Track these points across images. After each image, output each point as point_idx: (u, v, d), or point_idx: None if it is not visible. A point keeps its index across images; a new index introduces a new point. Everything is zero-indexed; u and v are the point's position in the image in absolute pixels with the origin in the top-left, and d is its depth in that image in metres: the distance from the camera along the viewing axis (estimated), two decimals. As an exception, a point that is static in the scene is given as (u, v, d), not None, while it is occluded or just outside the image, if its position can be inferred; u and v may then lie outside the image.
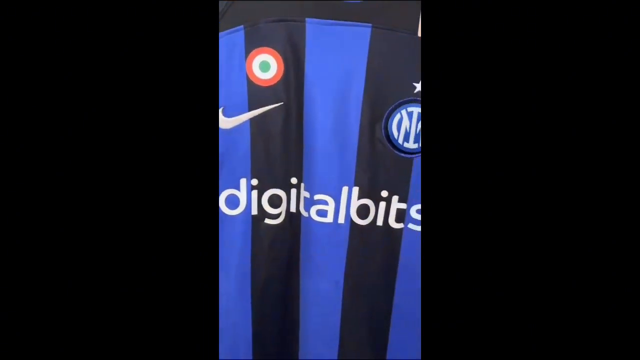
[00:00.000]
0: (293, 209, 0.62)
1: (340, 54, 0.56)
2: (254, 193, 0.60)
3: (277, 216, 0.61)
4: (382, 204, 0.59)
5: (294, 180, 0.60)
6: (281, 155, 0.58)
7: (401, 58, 0.55)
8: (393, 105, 0.56)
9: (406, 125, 0.57)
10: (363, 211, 0.60)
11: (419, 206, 0.59)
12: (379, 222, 0.60)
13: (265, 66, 0.56)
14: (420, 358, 0.58)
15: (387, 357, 0.63)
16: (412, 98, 0.56)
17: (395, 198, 0.59)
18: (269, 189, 0.60)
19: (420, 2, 0.53)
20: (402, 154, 0.58)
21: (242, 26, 0.54)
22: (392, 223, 0.60)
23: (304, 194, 0.60)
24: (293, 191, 0.61)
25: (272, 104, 0.57)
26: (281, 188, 0.60)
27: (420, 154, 0.57)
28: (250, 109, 0.57)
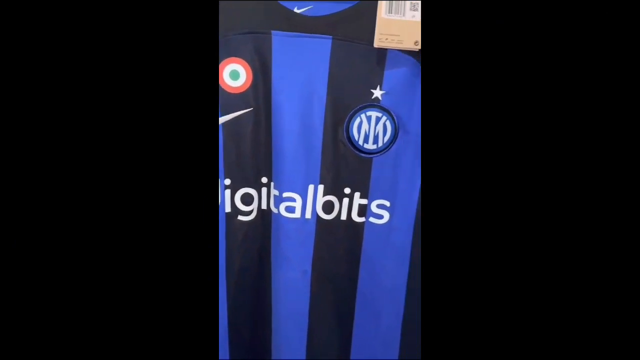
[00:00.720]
0: (264, 206, 0.65)
1: (304, 64, 0.59)
2: (227, 192, 0.62)
3: (249, 213, 0.63)
4: (345, 200, 0.62)
5: (264, 180, 0.63)
6: (251, 156, 0.61)
7: (360, 67, 0.59)
8: (353, 110, 0.60)
9: (365, 128, 0.60)
10: (328, 207, 0.62)
11: (378, 201, 0.63)
12: (343, 217, 0.63)
13: (235, 75, 0.59)
14: (382, 344, 0.64)
15: (353, 340, 0.67)
16: (371, 103, 0.60)
17: (357, 194, 0.62)
18: (241, 188, 0.62)
19: (375, 17, 0.57)
20: (362, 154, 0.61)
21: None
22: (355, 217, 0.63)
23: (274, 192, 0.63)
24: (264, 190, 0.64)
25: (242, 109, 0.60)
26: (252, 187, 0.63)
27: (379, 154, 0.61)
28: (222, 115, 0.60)
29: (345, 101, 0.59)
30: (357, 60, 0.58)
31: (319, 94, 0.59)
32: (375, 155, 0.61)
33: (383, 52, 0.58)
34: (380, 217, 0.63)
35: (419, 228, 0.63)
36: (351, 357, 0.66)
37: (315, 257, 0.64)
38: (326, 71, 0.59)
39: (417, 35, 0.57)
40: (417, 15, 0.57)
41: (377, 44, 0.56)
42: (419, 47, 0.57)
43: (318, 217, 0.63)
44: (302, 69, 0.59)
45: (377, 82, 0.59)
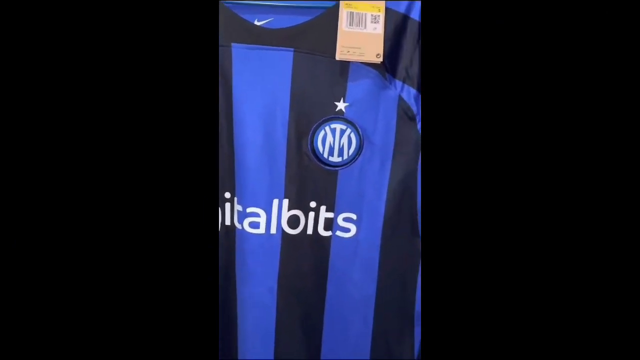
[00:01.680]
0: (228, 222, 0.64)
1: (266, 76, 0.59)
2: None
3: (212, 229, 0.63)
4: (311, 214, 0.62)
5: (227, 195, 0.63)
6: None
7: (322, 79, 0.58)
8: (317, 122, 0.59)
9: (330, 140, 0.60)
10: (293, 221, 0.62)
11: (345, 214, 0.62)
12: (309, 231, 0.62)
13: (196, 88, 0.58)
14: (352, 356, 0.64)
15: (322, 353, 0.66)
16: (335, 116, 0.60)
17: (323, 208, 0.62)
18: None
19: (337, 30, 0.57)
20: (327, 167, 0.61)
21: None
22: (321, 231, 0.62)
23: (237, 207, 0.63)
24: (227, 205, 0.63)
25: (204, 124, 0.59)
26: None
27: (344, 167, 0.61)
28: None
29: (308, 113, 0.59)
30: (319, 73, 0.58)
31: (282, 107, 0.59)
32: (340, 167, 0.61)
33: (345, 64, 0.58)
34: (347, 230, 0.62)
35: (387, 240, 0.63)
36: (321, 371, 0.66)
37: (281, 272, 0.63)
38: (288, 83, 0.58)
39: (379, 48, 0.57)
40: (379, 28, 0.58)
41: (339, 56, 0.57)
42: (380, 59, 0.57)
43: (283, 232, 0.62)
44: (264, 81, 0.59)
45: (341, 94, 0.59)
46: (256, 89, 0.59)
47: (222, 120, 0.60)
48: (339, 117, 0.59)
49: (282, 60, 0.58)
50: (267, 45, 0.58)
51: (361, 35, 0.57)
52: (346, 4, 0.56)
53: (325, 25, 0.57)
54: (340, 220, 0.62)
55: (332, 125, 0.59)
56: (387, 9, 0.56)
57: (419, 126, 0.59)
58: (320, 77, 0.58)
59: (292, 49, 0.58)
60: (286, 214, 0.61)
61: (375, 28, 0.57)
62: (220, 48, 0.58)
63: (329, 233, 0.63)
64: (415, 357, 0.63)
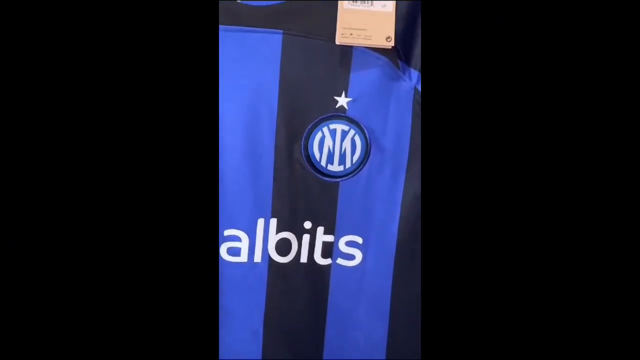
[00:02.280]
0: None
1: (248, 65, 0.52)
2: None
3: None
4: (306, 237, 0.54)
5: None
6: None
7: (319, 68, 0.52)
8: (313, 122, 0.52)
9: (329, 144, 0.53)
10: (283, 246, 0.55)
11: (348, 238, 0.55)
12: (303, 259, 0.55)
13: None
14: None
15: None
16: (335, 114, 0.52)
17: (320, 230, 0.54)
18: None
19: (336, 7, 0.51)
20: (326, 178, 0.53)
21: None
22: (318, 259, 0.55)
23: None
24: None
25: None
26: None
27: (346, 177, 0.53)
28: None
29: (302, 111, 0.52)
30: (315, 60, 0.52)
31: (269, 103, 0.52)
32: (342, 179, 0.54)
33: (348, 50, 0.51)
34: (351, 257, 0.55)
35: (401, 269, 0.55)
36: None
37: (268, 311, 0.55)
38: (277, 73, 0.51)
39: (389, 29, 0.51)
40: (389, 5, 0.51)
41: (339, 40, 0.50)
42: (391, 43, 0.51)
43: (270, 260, 0.55)
44: (246, 72, 0.52)
45: (342, 87, 0.52)
46: (236, 81, 0.52)
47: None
48: (340, 115, 0.52)
49: (268, 44, 0.51)
50: (249, 26, 0.51)
51: (367, 15, 0.51)
52: (348, -26, 0.51)
53: (322, 2, 0.51)
54: (342, 245, 0.55)
55: (332, 126, 0.52)
56: (399, -18, 0.50)
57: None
58: (316, 65, 0.52)
59: (280, 31, 0.51)
60: (274, 238, 0.54)
61: (385, 5, 0.51)
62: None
63: (328, 261, 0.55)
64: None
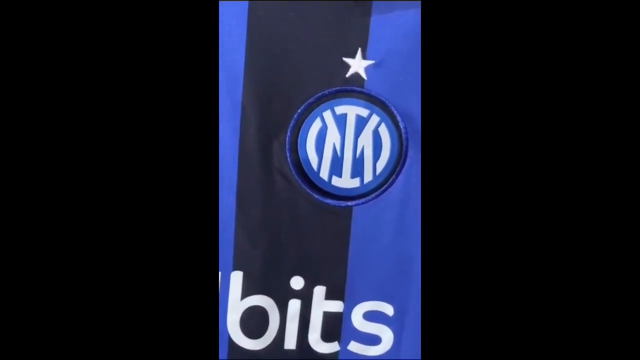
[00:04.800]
0: None
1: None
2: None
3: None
4: (294, 305, 0.40)
5: None
6: None
7: (317, 12, 0.38)
8: (306, 103, 0.38)
9: (335, 141, 0.38)
10: (255, 321, 0.40)
11: (369, 306, 0.41)
12: (289, 344, 0.41)
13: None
14: None
15: None
16: (344, 87, 0.38)
17: (319, 291, 0.40)
18: None
19: None
20: (330, 201, 0.39)
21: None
22: (317, 344, 0.40)
23: None
24: None
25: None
26: None
27: (366, 199, 0.39)
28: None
29: (287, 86, 0.39)
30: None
31: (230, 72, 0.38)
32: (358, 201, 0.39)
33: None
34: (375, 340, 0.41)
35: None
36: None
37: None
38: (243, 22, 0.38)
39: None
40: None
41: None
42: None
43: (232, 344, 0.41)
44: None
45: (357, 42, 0.38)
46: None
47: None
48: (354, 90, 0.38)
49: None
50: None
51: None
52: None
53: None
54: (358, 319, 0.41)
55: (339, 109, 0.38)
56: None
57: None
58: (311, 7, 0.38)
59: None
60: (238, 306, 0.40)
61: None
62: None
63: (334, 347, 0.41)
64: None
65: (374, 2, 0.38)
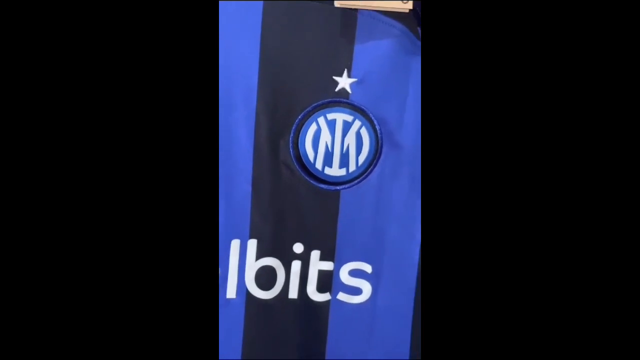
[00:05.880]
0: None
1: (221, 38, 0.45)
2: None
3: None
4: (296, 265, 0.47)
5: None
6: None
7: (313, 39, 0.45)
8: (305, 111, 0.45)
9: (327, 140, 0.45)
10: (265, 277, 0.48)
11: (353, 265, 0.47)
12: (292, 294, 0.48)
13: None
14: None
15: None
16: (334, 99, 0.45)
17: (315, 255, 0.47)
18: None
19: None
20: (323, 185, 0.46)
21: None
22: (313, 294, 0.48)
23: None
24: None
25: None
26: None
27: (350, 184, 0.46)
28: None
29: (290, 97, 0.46)
30: (307, 29, 0.45)
31: (246, 85, 0.45)
32: (344, 186, 0.47)
33: (351, 14, 0.45)
34: (357, 291, 0.48)
35: (420, 309, 0.48)
36: None
37: None
38: (256, 47, 0.44)
39: None
40: None
41: (339, 1, 0.44)
42: (409, 5, 0.43)
43: (249, 295, 0.48)
44: (223, 48, 0.45)
45: (344, 64, 0.45)
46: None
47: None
48: (341, 101, 0.45)
49: (245, 9, 0.44)
50: None
51: None
52: None
53: None
54: (344, 275, 0.48)
55: (330, 116, 0.45)
56: None
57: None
58: (308, 36, 0.45)
59: None
60: (253, 265, 0.47)
61: None
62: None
63: (326, 296, 0.48)
64: None
65: (356, 33, 0.44)
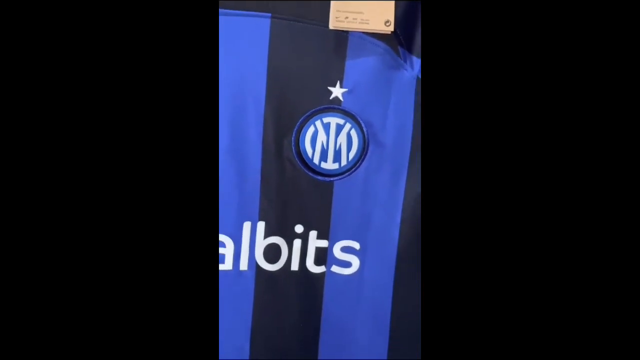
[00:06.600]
0: None
1: (233, 53, 0.48)
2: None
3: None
4: (297, 243, 0.51)
5: None
6: None
7: (311, 55, 0.49)
8: (304, 115, 0.49)
9: (322, 140, 0.49)
10: (272, 253, 0.51)
11: (344, 243, 0.51)
12: (294, 267, 0.52)
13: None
14: None
15: None
16: (329, 106, 0.49)
17: (312, 234, 0.51)
18: None
19: None
20: (319, 177, 0.50)
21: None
22: (311, 266, 0.52)
23: None
24: None
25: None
26: None
27: (342, 176, 0.50)
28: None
29: (292, 103, 0.49)
30: (307, 47, 0.48)
31: (256, 94, 0.48)
32: (337, 178, 0.50)
33: (343, 35, 0.48)
34: (347, 264, 0.52)
35: (402, 279, 0.52)
36: None
37: (255, 325, 0.52)
38: (264, 62, 0.48)
39: (388, 13, 0.47)
40: None
41: (333, 24, 0.47)
42: (391, 28, 0.47)
43: (258, 267, 0.51)
44: (230, 59, 0.48)
45: (336, 76, 0.49)
46: (220, 70, 0.48)
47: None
48: (335, 107, 0.49)
49: (255, 29, 0.48)
50: (233, 9, 0.48)
51: None
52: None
53: None
54: (337, 251, 0.52)
55: (325, 119, 0.49)
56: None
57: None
58: (307, 53, 0.49)
59: (268, 14, 0.47)
60: (262, 243, 0.51)
61: None
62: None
63: (321, 269, 0.52)
64: None
65: (347, 51, 0.48)
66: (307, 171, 0.50)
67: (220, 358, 0.51)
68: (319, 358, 0.52)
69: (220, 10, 0.47)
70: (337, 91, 0.48)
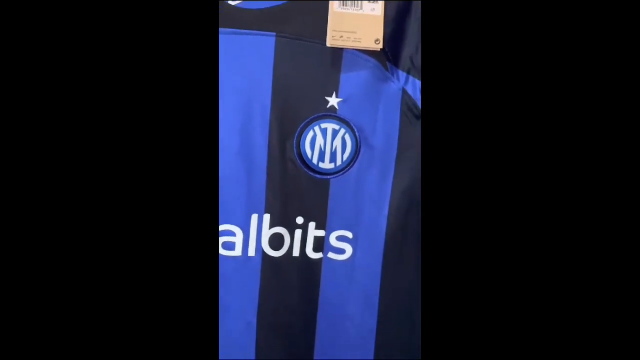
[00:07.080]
0: None
1: (242, 67, 0.51)
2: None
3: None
4: (298, 232, 0.54)
5: None
6: None
7: (310, 70, 0.52)
8: (305, 122, 0.52)
9: (320, 143, 0.53)
10: (276, 241, 0.54)
11: (339, 232, 0.55)
12: (295, 253, 0.54)
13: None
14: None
15: None
16: (326, 113, 0.53)
17: (312, 225, 0.54)
18: None
19: (327, 11, 0.51)
20: (317, 175, 0.53)
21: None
22: (310, 253, 0.55)
23: None
24: None
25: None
26: None
27: (337, 175, 0.54)
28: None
29: (294, 111, 0.52)
30: (306, 62, 0.52)
31: (262, 103, 0.52)
32: (332, 176, 0.53)
33: (338, 52, 0.52)
34: (341, 251, 0.55)
35: (389, 264, 0.55)
36: None
37: (261, 303, 0.55)
38: (270, 75, 0.51)
39: (378, 32, 0.51)
40: (378, 8, 0.51)
41: (330, 42, 0.50)
42: (380, 46, 0.51)
43: (264, 254, 0.54)
44: (240, 73, 0.51)
45: (332, 87, 0.52)
46: (230, 82, 0.51)
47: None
48: (331, 114, 0.52)
49: (261, 47, 0.51)
50: (242, 29, 0.51)
51: (357, 18, 0.51)
52: (338, -21, 0.51)
53: (314, 5, 0.51)
54: (332, 240, 0.55)
55: (323, 125, 0.52)
56: (387, -14, 0.51)
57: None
58: (307, 67, 0.52)
59: (273, 34, 0.51)
60: (267, 232, 0.54)
61: (374, 9, 0.51)
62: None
63: (319, 255, 0.55)
64: None
65: (342, 65, 0.51)
66: (306, 170, 0.53)
67: (231, 335, 0.55)
68: (316, 331, 0.55)
69: (232, 30, 0.50)
70: (333, 100, 0.52)
